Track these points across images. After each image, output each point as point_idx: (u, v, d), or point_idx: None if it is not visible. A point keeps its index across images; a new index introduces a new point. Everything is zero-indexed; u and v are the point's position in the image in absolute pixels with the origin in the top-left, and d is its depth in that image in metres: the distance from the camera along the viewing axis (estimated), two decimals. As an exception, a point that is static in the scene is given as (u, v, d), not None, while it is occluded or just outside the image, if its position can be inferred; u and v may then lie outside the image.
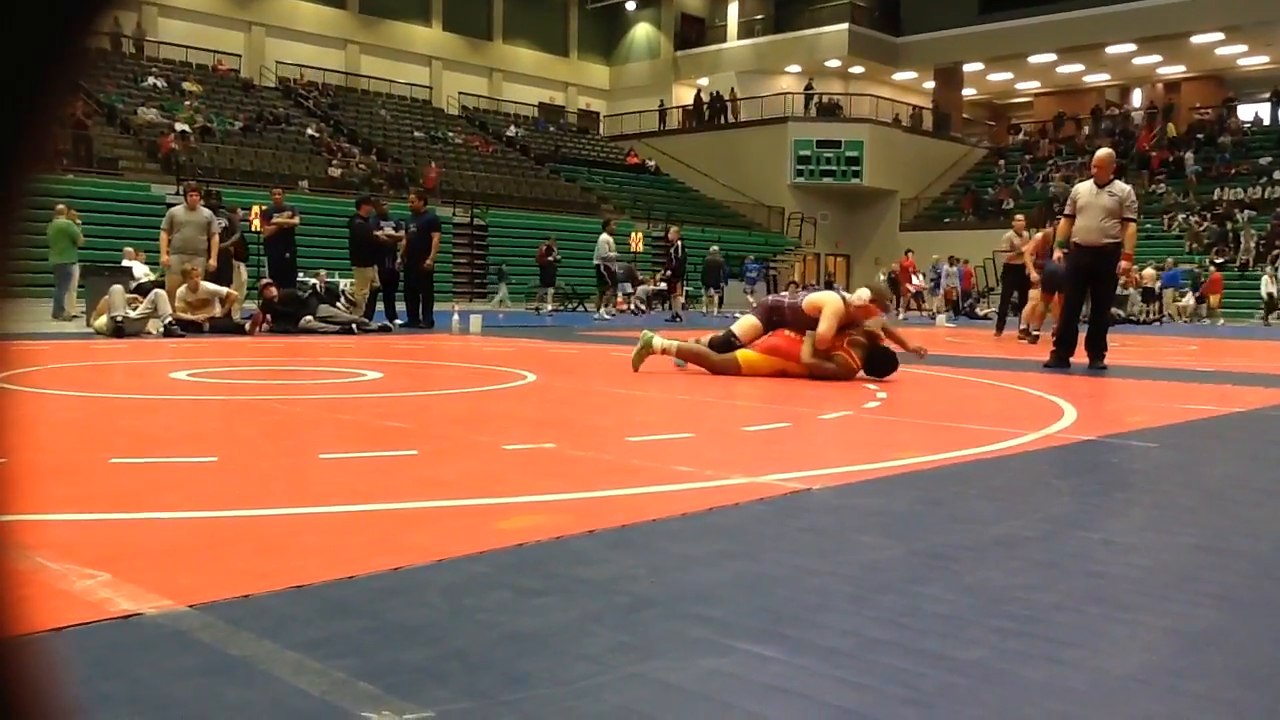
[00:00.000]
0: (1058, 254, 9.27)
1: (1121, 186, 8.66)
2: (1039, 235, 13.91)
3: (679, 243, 21.70)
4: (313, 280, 14.33)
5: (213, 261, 12.24)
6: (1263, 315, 26.35)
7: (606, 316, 19.64)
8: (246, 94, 32.96)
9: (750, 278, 28.43)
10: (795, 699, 1.63)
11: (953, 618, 2.05)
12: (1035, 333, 13.38)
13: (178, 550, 2.42)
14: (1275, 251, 28.62)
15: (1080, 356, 8.68)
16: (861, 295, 7.41)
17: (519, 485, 3.29)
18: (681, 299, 21.93)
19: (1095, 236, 8.52)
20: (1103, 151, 9.03)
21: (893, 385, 6.85)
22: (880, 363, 7.24)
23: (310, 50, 37.31)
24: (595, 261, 20.17)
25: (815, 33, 40.52)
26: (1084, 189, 8.76)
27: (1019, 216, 15.75)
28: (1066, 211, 8.96)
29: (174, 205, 13.25)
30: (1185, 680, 1.75)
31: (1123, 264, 8.58)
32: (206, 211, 12.50)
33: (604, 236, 20.11)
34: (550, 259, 22.66)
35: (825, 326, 7.07)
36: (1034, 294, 13.93)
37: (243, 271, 14.01)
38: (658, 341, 7.67)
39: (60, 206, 14.02)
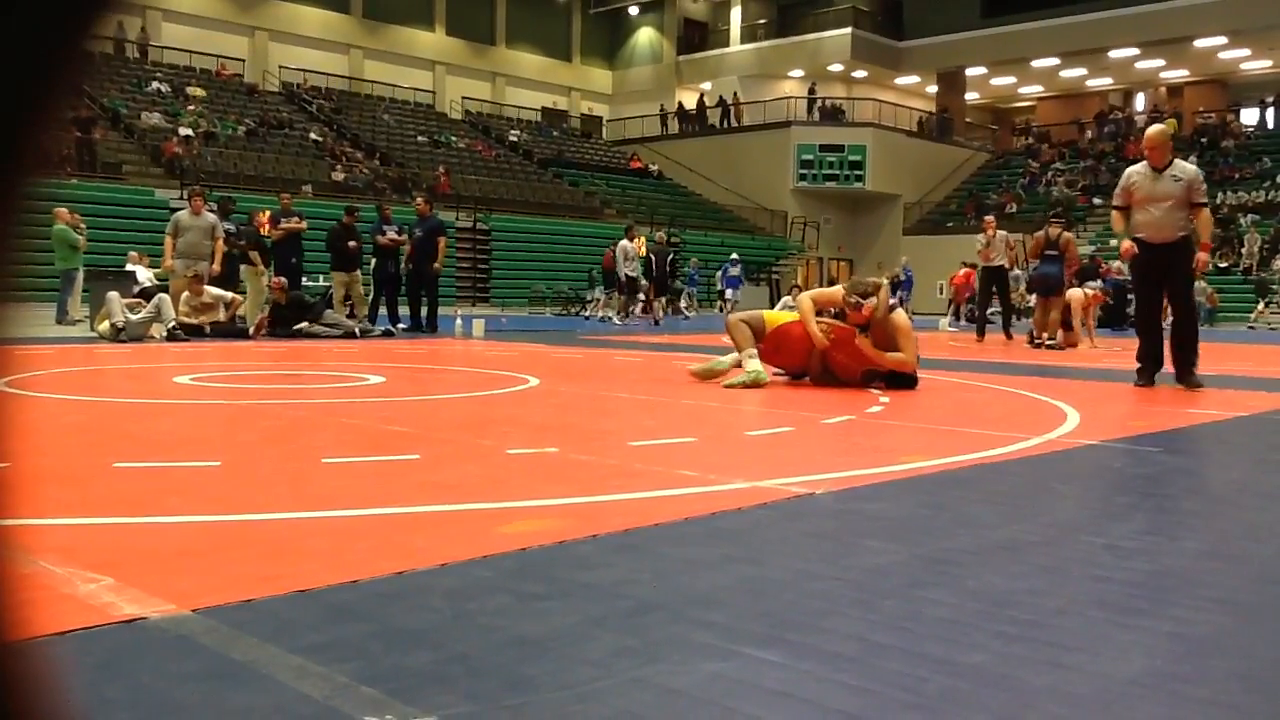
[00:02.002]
0: (1126, 244, 7.47)
1: (1186, 167, 7.31)
2: (1037, 236, 13.94)
3: (643, 247, 21.70)
4: (332, 286, 14.51)
5: (216, 266, 12.26)
6: None
7: (617, 322, 19.68)
8: (250, 98, 33.03)
9: (731, 278, 26.06)
10: (798, 704, 1.63)
11: (956, 622, 2.05)
12: (1038, 341, 13.42)
13: (181, 554, 2.42)
14: None
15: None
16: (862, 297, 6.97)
17: (522, 490, 3.29)
18: (657, 303, 21.68)
19: (1167, 232, 7.21)
20: (1154, 129, 7.47)
21: (896, 390, 6.84)
22: (896, 378, 7.06)
23: (314, 55, 37.40)
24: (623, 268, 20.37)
25: (818, 37, 40.57)
26: (1139, 175, 7.34)
27: (988, 218, 15.83)
28: (1118, 203, 7.58)
29: (179, 210, 13.26)
30: (1189, 685, 1.75)
31: (1201, 256, 7.36)
32: (211, 216, 12.56)
33: (623, 242, 20.22)
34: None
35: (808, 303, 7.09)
36: (1032, 300, 14.00)
37: (262, 279, 13.95)
38: (728, 364, 7.18)
39: (60, 211, 14.05)
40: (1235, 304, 28.50)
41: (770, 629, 1.98)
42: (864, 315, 6.85)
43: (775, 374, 7.30)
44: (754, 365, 6.92)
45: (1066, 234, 13.81)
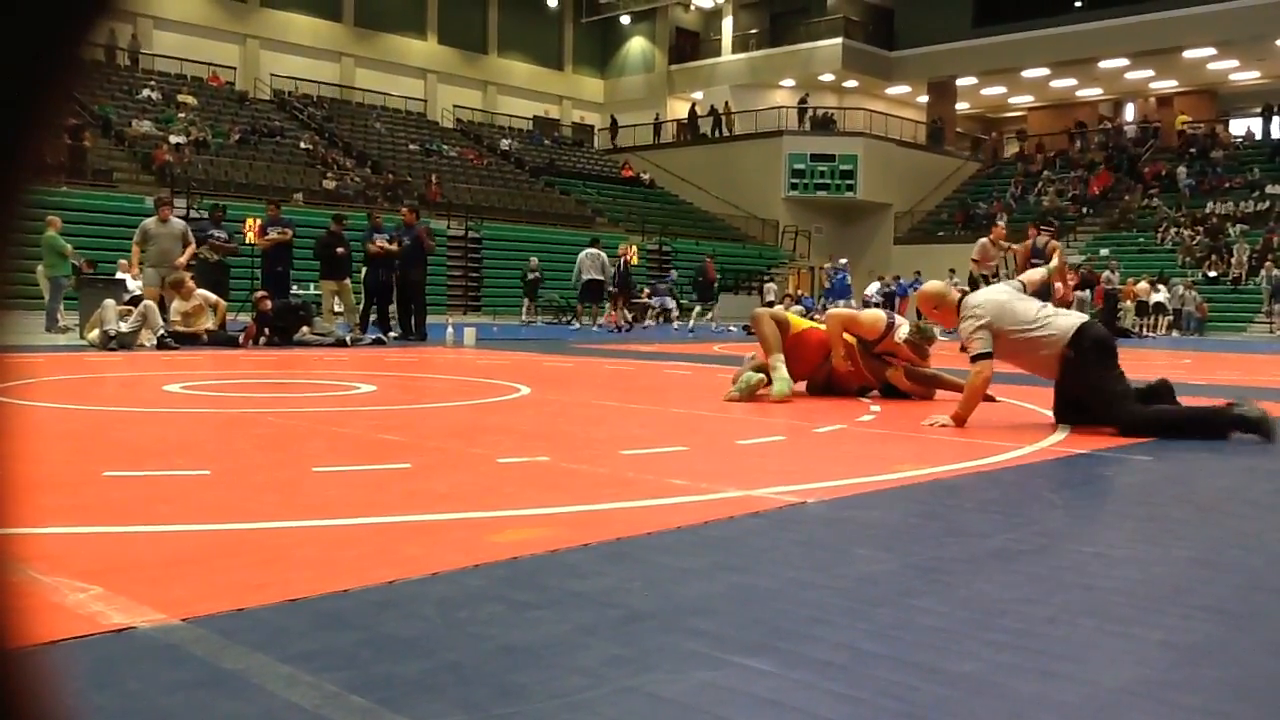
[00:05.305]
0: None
1: (963, 321, 5.58)
2: (1020, 247, 13.94)
3: (622, 259, 21.93)
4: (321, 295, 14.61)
5: (183, 260, 12.20)
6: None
7: (594, 329, 19.77)
8: (241, 106, 32.98)
9: (840, 279, 23.58)
10: (789, 712, 1.63)
11: (946, 631, 2.05)
12: None
13: (170, 563, 2.41)
14: (1266, 265, 28.73)
15: None
16: (901, 333, 6.84)
17: (513, 498, 3.29)
18: (623, 311, 21.70)
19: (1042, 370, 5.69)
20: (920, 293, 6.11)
21: (887, 399, 6.85)
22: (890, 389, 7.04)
23: (305, 63, 37.37)
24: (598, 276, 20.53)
25: (810, 47, 40.67)
26: None
27: (999, 226, 15.71)
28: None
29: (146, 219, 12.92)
30: (1179, 693, 1.75)
31: (957, 412, 5.45)
32: (179, 223, 12.56)
33: (590, 250, 20.48)
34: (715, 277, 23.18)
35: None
36: None
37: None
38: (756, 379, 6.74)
39: (52, 219, 14.00)
40: (1224, 314, 28.64)
41: (761, 637, 1.98)
42: (911, 354, 6.85)
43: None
44: (781, 371, 6.69)
45: (1054, 242, 13.82)
